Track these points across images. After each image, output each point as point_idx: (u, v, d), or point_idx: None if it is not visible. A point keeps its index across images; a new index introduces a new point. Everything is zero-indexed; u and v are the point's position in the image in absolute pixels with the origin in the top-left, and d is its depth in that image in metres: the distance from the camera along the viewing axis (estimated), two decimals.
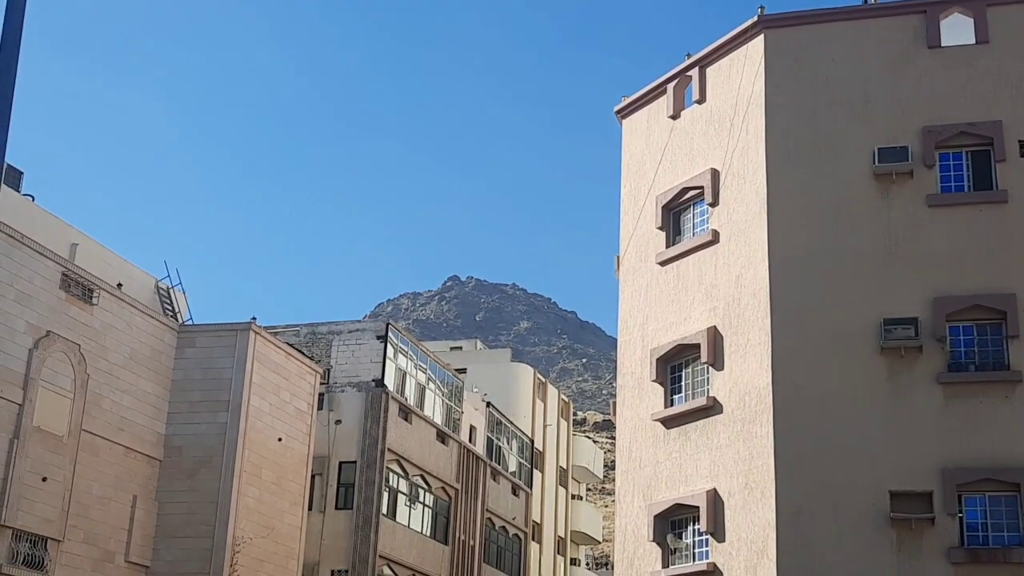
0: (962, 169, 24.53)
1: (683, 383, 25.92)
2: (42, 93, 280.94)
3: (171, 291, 36.07)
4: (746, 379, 24.13)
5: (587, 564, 67.61)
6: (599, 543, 67.80)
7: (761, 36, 25.98)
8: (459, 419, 45.54)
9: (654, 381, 26.30)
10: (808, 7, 26.51)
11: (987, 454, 22.41)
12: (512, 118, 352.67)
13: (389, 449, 38.91)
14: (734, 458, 23.91)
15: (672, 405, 25.87)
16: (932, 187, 24.34)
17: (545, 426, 57.27)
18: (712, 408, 24.68)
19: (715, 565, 23.70)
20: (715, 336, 25.09)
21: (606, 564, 75.95)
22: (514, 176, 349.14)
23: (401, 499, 40.33)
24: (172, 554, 30.92)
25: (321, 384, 37.50)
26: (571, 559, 60.33)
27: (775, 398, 23.46)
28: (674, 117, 27.89)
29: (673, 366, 26.23)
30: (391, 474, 39.39)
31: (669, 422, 25.63)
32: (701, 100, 27.27)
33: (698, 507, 24.28)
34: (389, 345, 40.12)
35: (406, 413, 40.62)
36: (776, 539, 22.63)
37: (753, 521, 23.17)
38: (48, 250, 28.52)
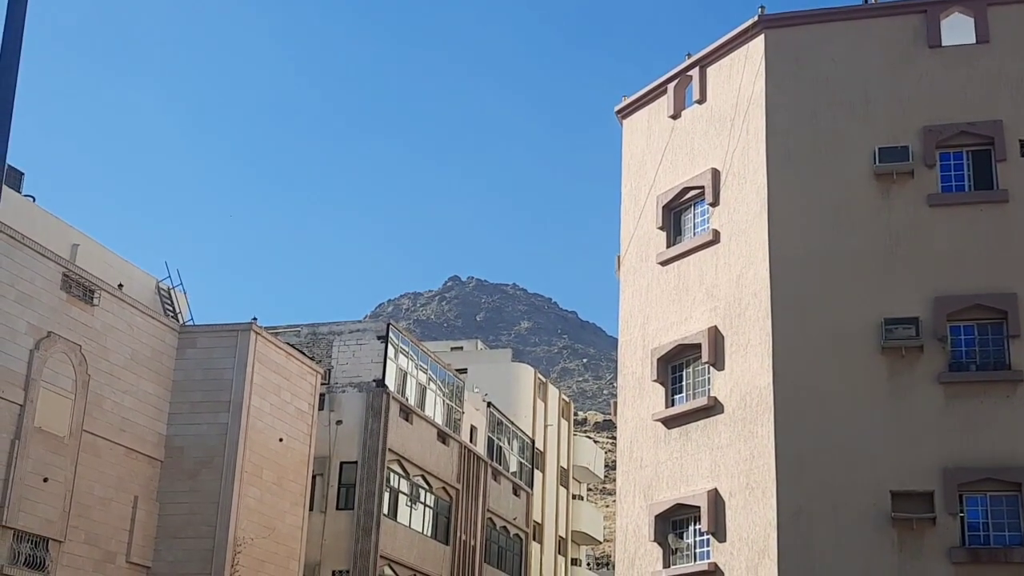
0: (963, 169, 24.53)
1: (684, 383, 25.93)
2: (43, 93, 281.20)
3: (172, 291, 36.06)
4: (747, 379, 24.13)
5: (588, 564, 67.48)
6: (600, 543, 67.74)
7: (761, 36, 25.99)
8: (460, 419, 45.53)
9: (655, 381, 26.30)
10: (808, 7, 26.53)
11: (988, 454, 22.41)
12: (512, 118, 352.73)
13: (390, 449, 38.91)
14: (735, 458, 23.91)
15: (673, 405, 25.87)
16: (933, 187, 24.34)
17: (546, 426, 57.24)
18: (713, 408, 24.68)
19: (716, 565, 23.70)
20: (716, 336, 25.09)
21: (607, 564, 75.85)
22: (514, 176, 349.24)
23: (402, 499, 40.33)
24: (173, 555, 30.92)
25: (322, 384, 37.51)
26: (572, 559, 60.29)
27: (776, 398, 23.46)
28: (675, 117, 27.90)
29: (674, 366, 26.24)
30: (392, 474, 39.39)
31: (670, 422, 25.63)
32: (701, 100, 27.27)
33: (699, 507, 24.28)
34: (390, 345, 40.12)
35: (407, 413, 40.62)
36: (777, 539, 22.63)
37: (754, 521, 23.18)
38: (49, 251, 28.53)
